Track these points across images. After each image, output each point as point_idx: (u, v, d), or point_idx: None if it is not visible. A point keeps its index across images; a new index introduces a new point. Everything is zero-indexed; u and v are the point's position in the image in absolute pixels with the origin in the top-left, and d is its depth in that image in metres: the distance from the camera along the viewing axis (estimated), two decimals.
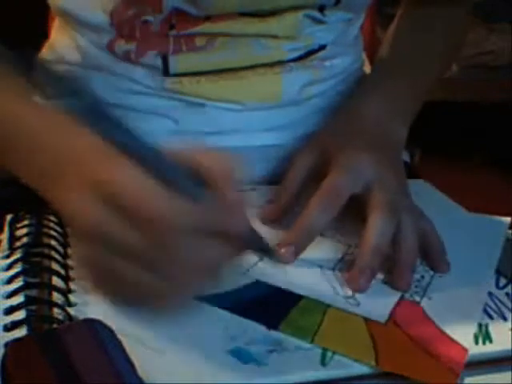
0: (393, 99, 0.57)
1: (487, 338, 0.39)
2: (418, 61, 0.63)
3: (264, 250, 0.43)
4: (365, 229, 0.44)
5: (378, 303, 0.41)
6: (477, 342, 0.39)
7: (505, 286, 0.45)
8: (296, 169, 0.50)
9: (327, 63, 0.61)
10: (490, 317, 0.41)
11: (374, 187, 0.46)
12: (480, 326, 0.40)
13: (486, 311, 0.42)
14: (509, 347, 0.38)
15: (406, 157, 0.71)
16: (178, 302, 0.37)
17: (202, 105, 0.56)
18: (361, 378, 0.36)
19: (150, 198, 0.34)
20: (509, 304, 0.43)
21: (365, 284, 0.42)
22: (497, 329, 0.40)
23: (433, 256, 0.46)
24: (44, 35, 0.66)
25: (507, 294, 0.44)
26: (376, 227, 0.44)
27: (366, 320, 0.40)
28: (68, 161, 0.39)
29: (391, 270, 0.44)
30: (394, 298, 0.42)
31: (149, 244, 0.34)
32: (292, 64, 0.58)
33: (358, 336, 0.38)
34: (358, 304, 0.41)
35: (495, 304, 0.43)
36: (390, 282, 0.43)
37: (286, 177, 0.51)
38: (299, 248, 0.44)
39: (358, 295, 0.42)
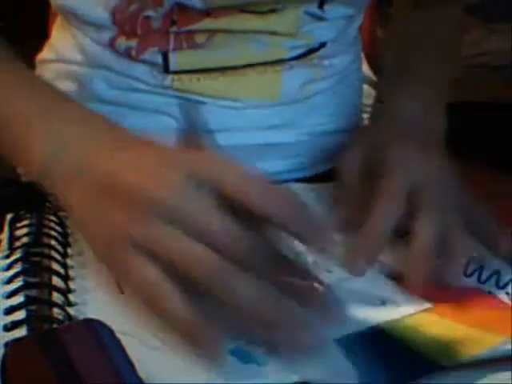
0: (421, 91, 0.57)
1: None
2: (436, 48, 0.63)
3: None
4: (413, 231, 0.44)
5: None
6: None
7: (504, 287, 0.45)
8: (350, 168, 0.50)
9: (327, 62, 0.61)
10: None
11: (423, 187, 0.46)
12: None
13: None
14: (509, 348, 0.38)
15: None
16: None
17: (202, 103, 0.57)
18: None
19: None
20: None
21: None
22: None
23: (489, 241, 0.46)
24: (44, 35, 0.66)
25: (507, 293, 0.44)
26: (425, 229, 0.43)
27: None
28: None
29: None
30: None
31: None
32: (292, 62, 0.58)
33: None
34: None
35: None
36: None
37: (342, 175, 0.50)
38: (371, 258, 0.44)
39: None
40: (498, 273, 0.47)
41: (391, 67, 0.64)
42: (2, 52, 0.50)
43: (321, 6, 0.57)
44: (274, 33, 0.56)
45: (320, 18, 0.58)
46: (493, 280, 0.46)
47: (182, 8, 0.53)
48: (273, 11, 0.55)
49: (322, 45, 0.60)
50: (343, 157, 0.51)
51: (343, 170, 0.50)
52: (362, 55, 0.73)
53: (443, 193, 0.46)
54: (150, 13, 0.53)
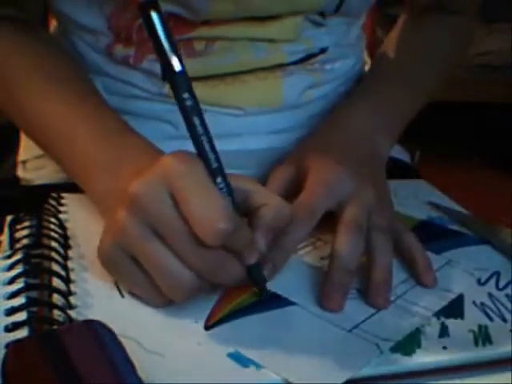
0: (381, 112, 0.57)
1: (487, 339, 0.39)
2: (415, 72, 0.63)
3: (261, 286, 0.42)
4: (332, 247, 0.44)
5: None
6: (476, 344, 0.39)
7: (504, 287, 0.45)
8: (273, 183, 0.50)
9: (328, 66, 0.61)
10: (490, 318, 0.41)
11: (347, 203, 0.45)
12: (480, 327, 0.40)
13: (485, 312, 0.42)
14: (509, 349, 0.38)
15: (406, 157, 0.71)
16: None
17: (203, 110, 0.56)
18: (364, 380, 0.36)
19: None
20: (508, 305, 0.43)
21: (340, 301, 0.41)
22: (497, 330, 0.40)
23: (416, 271, 0.45)
24: None
25: (507, 295, 0.44)
26: (342, 246, 0.43)
27: None
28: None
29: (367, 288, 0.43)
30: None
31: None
32: (293, 67, 0.58)
33: None
34: None
35: (495, 305, 0.43)
36: (367, 300, 0.42)
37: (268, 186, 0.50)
38: (276, 266, 0.43)
39: None
40: (497, 274, 0.47)
41: (366, 77, 0.64)
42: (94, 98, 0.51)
43: (322, 13, 0.57)
44: (273, 40, 0.56)
45: (320, 24, 0.58)
46: (492, 281, 0.46)
47: (177, 18, 0.52)
48: (272, 18, 0.55)
49: (323, 50, 0.60)
50: (273, 169, 0.51)
51: (269, 182, 0.50)
52: (366, 55, 0.72)
53: (367, 212, 0.45)
54: None
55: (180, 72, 0.36)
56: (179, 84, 0.36)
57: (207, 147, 0.37)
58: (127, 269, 0.38)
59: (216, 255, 0.37)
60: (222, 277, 0.38)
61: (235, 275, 0.38)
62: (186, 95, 0.37)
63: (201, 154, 0.37)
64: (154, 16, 0.35)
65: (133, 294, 0.40)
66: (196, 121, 0.37)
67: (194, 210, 0.35)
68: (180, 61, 0.36)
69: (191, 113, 0.37)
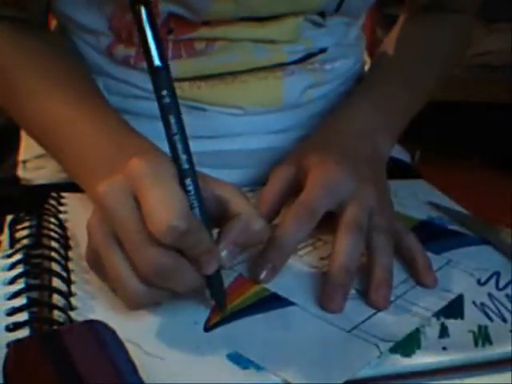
0: (381, 112, 0.57)
1: (487, 340, 0.39)
2: (415, 72, 0.63)
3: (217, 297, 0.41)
4: (333, 248, 0.43)
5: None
6: (476, 344, 0.39)
7: (504, 288, 0.45)
8: (273, 183, 0.49)
9: (328, 66, 0.61)
10: (490, 318, 0.41)
11: (347, 204, 0.45)
12: (479, 327, 0.40)
13: (485, 313, 0.42)
14: (509, 349, 0.38)
15: (406, 157, 0.71)
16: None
17: (203, 109, 0.56)
18: (363, 380, 0.36)
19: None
20: (508, 305, 0.43)
21: (340, 302, 0.41)
22: (496, 330, 0.40)
23: (416, 271, 0.45)
24: None
25: (507, 295, 0.44)
26: (342, 246, 0.43)
27: None
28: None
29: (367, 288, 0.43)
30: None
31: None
32: (293, 67, 0.58)
33: None
34: None
35: (495, 305, 0.43)
36: (367, 300, 0.42)
37: (263, 191, 0.50)
38: (276, 267, 0.43)
39: None
40: (497, 274, 0.47)
41: (366, 76, 0.64)
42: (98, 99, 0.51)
43: (322, 13, 0.57)
44: (273, 40, 0.56)
45: (320, 25, 0.58)
46: (492, 281, 0.46)
47: (178, 18, 0.52)
48: (272, 18, 0.55)
49: (322, 50, 0.60)
50: (273, 169, 0.51)
51: (264, 189, 0.50)
52: (366, 55, 0.72)
53: (367, 213, 0.45)
54: None
55: (160, 68, 0.36)
56: (158, 80, 0.36)
57: (180, 147, 0.37)
58: (102, 275, 0.39)
59: (168, 257, 0.36)
60: (173, 282, 0.37)
61: (188, 281, 0.37)
62: (164, 92, 0.36)
63: (172, 153, 0.37)
64: (143, 11, 0.35)
65: None
66: (171, 119, 0.36)
67: (149, 207, 0.35)
68: (161, 57, 0.36)
69: (167, 111, 0.36)
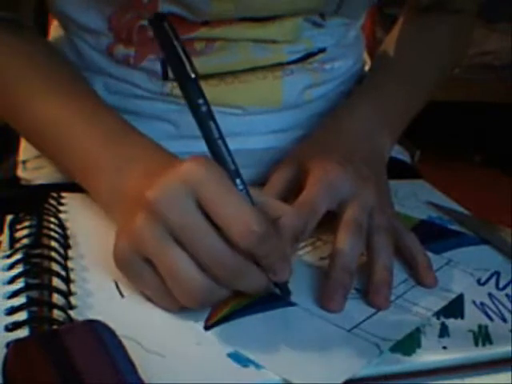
0: (381, 112, 0.57)
1: (487, 339, 0.39)
2: (416, 72, 0.63)
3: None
4: (333, 247, 0.44)
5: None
6: (476, 344, 0.39)
7: (504, 287, 0.45)
8: (273, 183, 0.50)
9: (327, 66, 0.61)
10: (490, 318, 0.41)
11: (348, 203, 0.45)
12: (480, 327, 0.40)
13: (485, 312, 0.42)
14: (509, 349, 0.38)
15: (406, 157, 0.71)
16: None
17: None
18: (364, 380, 0.36)
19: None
20: (509, 305, 0.43)
21: (340, 302, 0.41)
22: (497, 330, 0.40)
23: (416, 271, 0.45)
24: (44, 35, 0.66)
25: (507, 295, 0.44)
26: (342, 246, 0.43)
27: None
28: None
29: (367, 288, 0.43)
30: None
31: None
32: (292, 67, 0.58)
33: None
34: None
35: (495, 305, 0.43)
36: (367, 300, 0.42)
37: (263, 190, 0.50)
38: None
39: None
40: (497, 274, 0.47)
41: (367, 77, 0.64)
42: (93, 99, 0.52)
43: (322, 14, 0.57)
44: (273, 40, 0.56)
45: (320, 25, 0.58)
46: (492, 281, 0.46)
47: (178, 18, 0.52)
48: (272, 19, 0.55)
49: (322, 50, 0.60)
50: (274, 169, 0.51)
51: (264, 189, 0.50)
52: (366, 55, 0.72)
53: (367, 213, 0.45)
54: (145, 22, 0.53)
55: (194, 79, 0.37)
56: (194, 90, 0.38)
57: (224, 150, 0.38)
58: (142, 272, 0.38)
59: (241, 262, 0.36)
60: (243, 284, 0.38)
61: (259, 284, 0.38)
62: (200, 101, 0.38)
63: (218, 157, 0.38)
64: (167, 27, 0.37)
65: (149, 299, 0.40)
66: (212, 125, 0.38)
67: (227, 214, 0.35)
68: (194, 69, 0.37)
69: (207, 118, 0.38)
